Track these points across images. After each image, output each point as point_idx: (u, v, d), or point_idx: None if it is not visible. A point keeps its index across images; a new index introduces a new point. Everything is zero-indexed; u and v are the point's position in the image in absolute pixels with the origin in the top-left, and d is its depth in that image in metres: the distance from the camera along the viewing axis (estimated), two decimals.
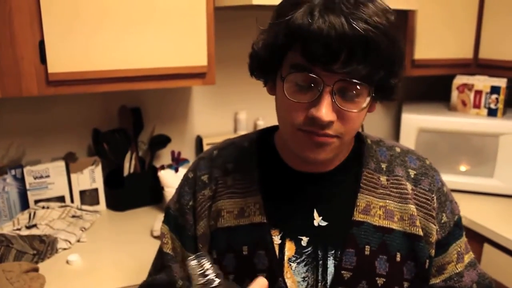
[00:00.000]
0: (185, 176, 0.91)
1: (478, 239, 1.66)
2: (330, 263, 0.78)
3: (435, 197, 0.83)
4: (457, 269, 0.84)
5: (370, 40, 0.64)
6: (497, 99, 1.94)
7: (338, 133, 0.71)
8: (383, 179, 0.82)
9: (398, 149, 0.87)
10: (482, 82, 1.98)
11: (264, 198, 0.81)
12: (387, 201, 0.81)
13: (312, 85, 0.68)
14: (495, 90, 1.94)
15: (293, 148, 0.75)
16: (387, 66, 0.69)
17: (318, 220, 0.80)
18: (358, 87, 0.68)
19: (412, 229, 0.80)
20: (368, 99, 0.70)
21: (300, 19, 0.65)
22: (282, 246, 0.79)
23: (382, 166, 0.83)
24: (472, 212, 1.72)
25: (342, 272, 0.77)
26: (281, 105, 0.74)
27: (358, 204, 0.80)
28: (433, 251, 0.82)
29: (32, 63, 1.34)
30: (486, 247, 1.66)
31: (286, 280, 0.78)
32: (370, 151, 0.85)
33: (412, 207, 0.81)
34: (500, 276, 1.60)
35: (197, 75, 1.58)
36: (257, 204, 0.81)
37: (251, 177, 0.83)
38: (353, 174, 0.83)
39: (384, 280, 0.78)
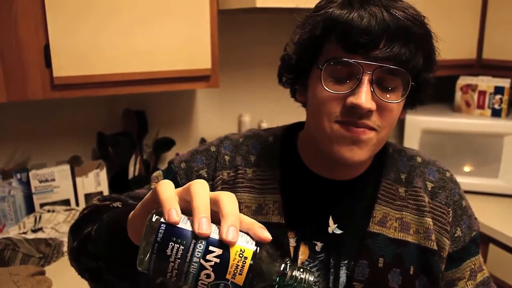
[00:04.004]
0: (205, 148, 0.86)
1: (483, 240, 1.65)
2: (343, 273, 0.77)
3: (451, 211, 0.81)
4: (467, 286, 0.81)
5: (408, 27, 0.65)
6: (501, 99, 1.93)
7: (376, 126, 0.69)
8: (401, 190, 0.81)
9: (419, 159, 0.85)
10: (486, 83, 1.98)
11: (283, 198, 0.79)
12: (404, 213, 0.79)
13: (350, 76, 0.67)
14: (499, 90, 1.94)
15: (327, 148, 0.71)
16: (424, 56, 0.69)
17: (332, 228, 0.78)
18: (395, 77, 0.68)
19: (427, 242, 0.78)
20: (404, 92, 0.69)
21: (339, 9, 0.66)
22: (296, 249, 0.78)
23: (402, 176, 0.82)
24: (477, 213, 1.67)
25: (354, 283, 0.75)
26: (317, 100, 0.70)
27: (374, 215, 0.78)
28: (444, 266, 0.79)
29: (37, 67, 1.35)
30: (492, 247, 1.65)
31: None
32: (391, 161, 0.83)
33: (429, 220, 0.79)
34: (506, 276, 1.59)
35: (201, 78, 1.59)
36: (276, 203, 0.79)
37: (272, 174, 0.81)
38: (372, 184, 0.81)
39: None
